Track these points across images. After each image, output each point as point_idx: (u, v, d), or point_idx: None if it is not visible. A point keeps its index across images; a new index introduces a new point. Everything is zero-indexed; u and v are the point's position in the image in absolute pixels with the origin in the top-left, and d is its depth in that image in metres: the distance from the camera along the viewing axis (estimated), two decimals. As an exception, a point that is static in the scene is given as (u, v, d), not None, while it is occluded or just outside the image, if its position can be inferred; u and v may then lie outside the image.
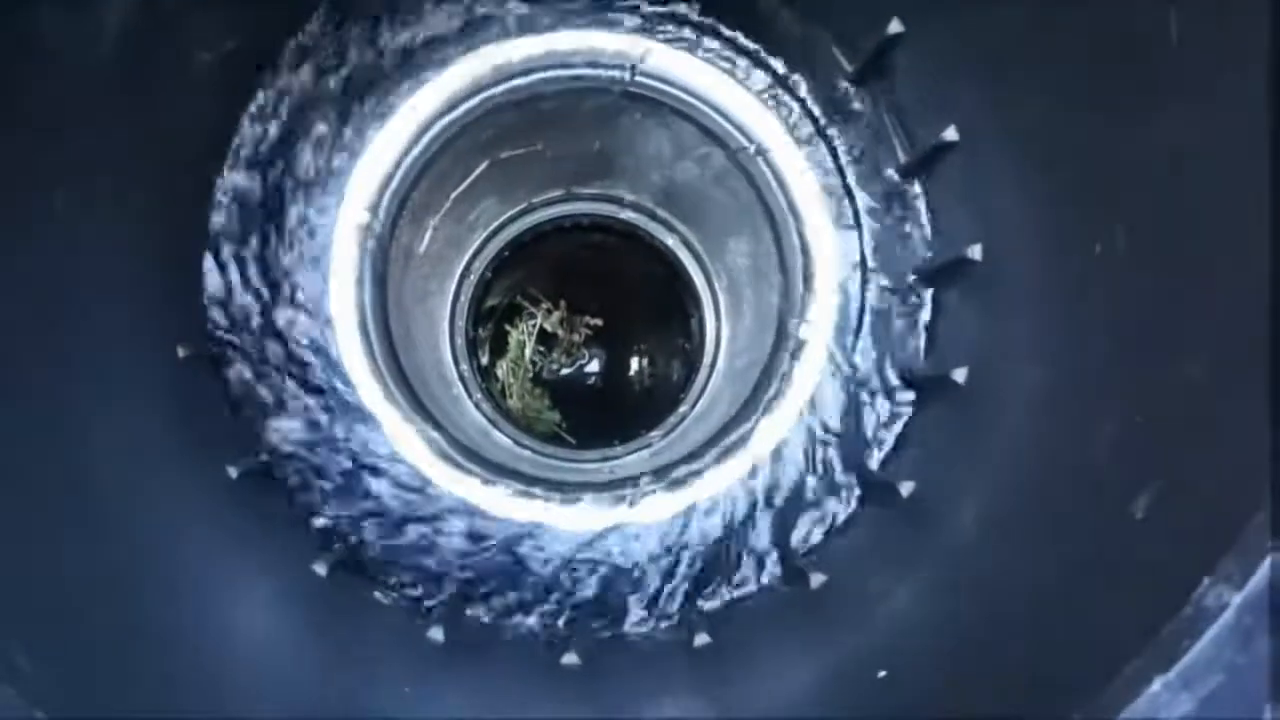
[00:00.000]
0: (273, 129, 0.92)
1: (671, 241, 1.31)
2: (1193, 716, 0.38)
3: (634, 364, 1.89)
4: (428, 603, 0.90)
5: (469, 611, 0.91)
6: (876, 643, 0.71)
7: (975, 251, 0.91)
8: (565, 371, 1.79)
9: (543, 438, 1.48)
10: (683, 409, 1.38)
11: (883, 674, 0.64)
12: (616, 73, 1.00)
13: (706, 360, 1.41)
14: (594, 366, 1.90)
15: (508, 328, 1.62)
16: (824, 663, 0.75)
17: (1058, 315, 0.81)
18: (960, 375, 0.90)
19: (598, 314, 1.79)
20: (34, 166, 0.67)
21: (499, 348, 1.63)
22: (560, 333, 1.78)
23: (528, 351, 1.61)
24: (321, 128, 0.94)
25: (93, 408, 0.73)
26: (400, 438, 0.99)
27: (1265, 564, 0.39)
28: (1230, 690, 0.38)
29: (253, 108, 0.91)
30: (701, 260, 1.30)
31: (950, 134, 0.92)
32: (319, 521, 0.92)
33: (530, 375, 1.65)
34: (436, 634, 0.86)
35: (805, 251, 1.03)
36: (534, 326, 1.62)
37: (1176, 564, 0.43)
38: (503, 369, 1.59)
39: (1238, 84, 0.55)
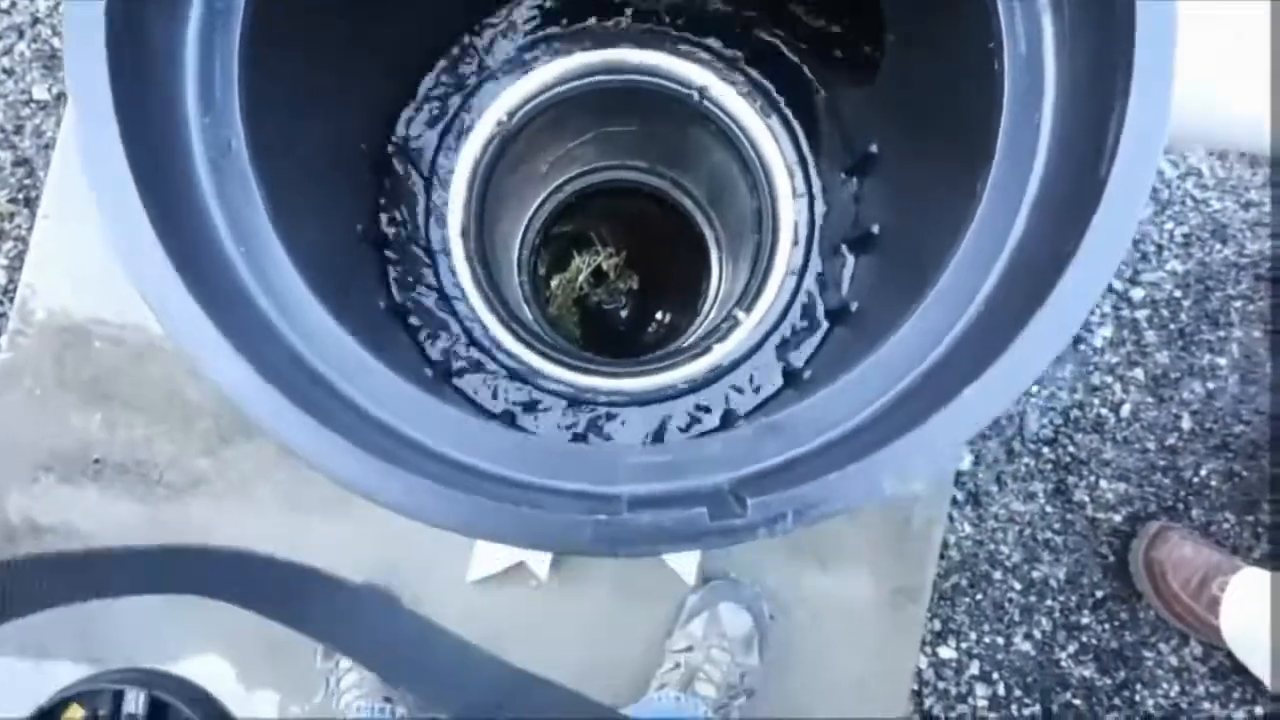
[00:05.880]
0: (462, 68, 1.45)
1: (689, 204, 1.79)
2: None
3: (655, 317, 2.34)
4: (489, 407, 1.40)
5: (519, 418, 1.40)
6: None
7: (875, 228, 1.37)
8: (602, 304, 2.26)
9: (559, 334, 1.95)
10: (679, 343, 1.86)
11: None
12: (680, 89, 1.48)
13: (706, 307, 1.88)
14: (623, 311, 2.37)
15: (574, 252, 2.08)
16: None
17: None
18: (854, 307, 1.36)
19: (642, 270, 2.24)
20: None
21: (557, 265, 2.10)
22: (611, 275, 2.25)
23: (582, 277, 2.07)
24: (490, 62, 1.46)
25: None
26: (480, 310, 1.49)
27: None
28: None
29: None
30: (709, 218, 1.78)
31: (873, 148, 1.38)
32: (428, 348, 1.43)
33: (575, 295, 2.12)
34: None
35: (774, 214, 1.49)
36: (595, 260, 2.08)
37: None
38: (555, 281, 2.06)
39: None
